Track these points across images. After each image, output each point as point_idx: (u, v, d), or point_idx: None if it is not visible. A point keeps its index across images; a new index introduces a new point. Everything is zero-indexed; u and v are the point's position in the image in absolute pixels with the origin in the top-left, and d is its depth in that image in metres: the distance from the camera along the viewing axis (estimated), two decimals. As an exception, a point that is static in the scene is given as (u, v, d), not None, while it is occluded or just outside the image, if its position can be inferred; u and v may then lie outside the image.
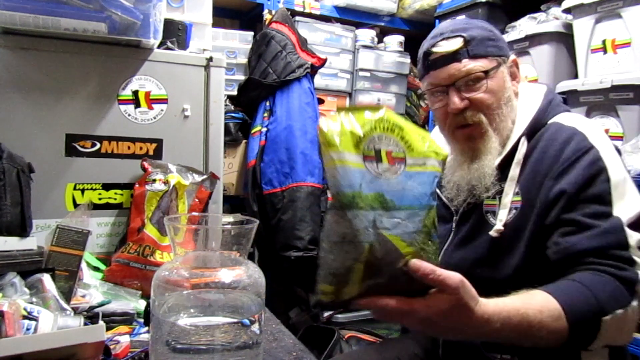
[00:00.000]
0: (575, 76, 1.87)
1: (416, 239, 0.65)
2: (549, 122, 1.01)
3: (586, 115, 1.77)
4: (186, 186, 1.36)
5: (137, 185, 1.34)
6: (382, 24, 2.75)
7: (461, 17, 2.32)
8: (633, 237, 0.86)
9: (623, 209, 0.88)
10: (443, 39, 1.02)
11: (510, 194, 0.98)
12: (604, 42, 1.73)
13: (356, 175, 0.60)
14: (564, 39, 1.90)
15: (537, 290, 0.79)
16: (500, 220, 0.99)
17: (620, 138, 1.66)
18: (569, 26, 1.87)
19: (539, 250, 0.93)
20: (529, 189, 0.97)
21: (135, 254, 1.24)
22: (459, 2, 2.34)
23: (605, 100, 1.70)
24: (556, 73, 1.92)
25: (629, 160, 1.51)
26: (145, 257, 1.24)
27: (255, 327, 0.80)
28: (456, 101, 1.01)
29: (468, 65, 0.99)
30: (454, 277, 0.65)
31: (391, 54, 2.67)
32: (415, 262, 0.63)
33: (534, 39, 1.96)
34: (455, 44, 1.00)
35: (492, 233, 0.99)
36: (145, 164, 1.36)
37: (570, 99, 1.83)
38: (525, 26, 2.05)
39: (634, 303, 0.82)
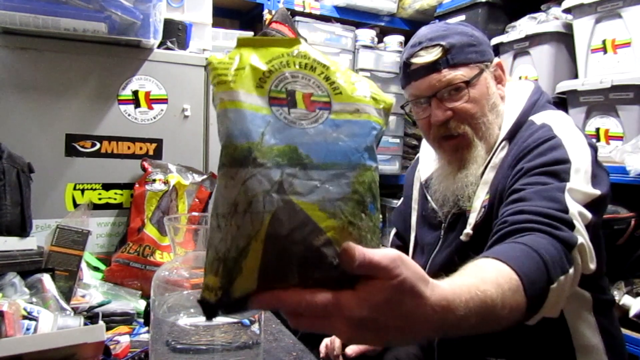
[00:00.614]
0: (575, 76, 1.87)
1: (342, 209, 0.45)
2: (528, 119, 0.99)
3: (586, 116, 1.77)
4: (186, 186, 1.36)
5: (137, 185, 1.34)
6: (382, 24, 2.75)
7: (452, 21, 2.32)
8: (575, 207, 0.80)
9: (578, 185, 0.83)
10: (422, 49, 0.99)
11: (481, 197, 0.98)
12: (604, 42, 1.73)
13: (255, 122, 0.45)
14: (564, 39, 1.90)
15: (486, 260, 0.67)
16: (469, 224, 0.98)
17: (620, 138, 1.66)
18: (569, 26, 1.87)
19: None
20: (497, 185, 0.96)
21: (135, 254, 1.24)
22: (459, 2, 2.34)
23: (605, 100, 1.70)
24: (556, 73, 1.92)
25: (629, 160, 1.51)
26: (145, 257, 1.24)
27: (255, 327, 0.80)
28: (438, 113, 0.99)
29: (448, 75, 0.97)
30: (387, 254, 0.44)
31: (391, 54, 2.66)
32: (344, 244, 0.44)
33: (534, 39, 1.96)
34: (434, 54, 0.98)
35: (462, 237, 0.98)
36: (145, 164, 1.36)
37: (570, 99, 1.83)
38: (525, 26, 2.05)
39: (571, 270, 0.74)
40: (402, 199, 1.33)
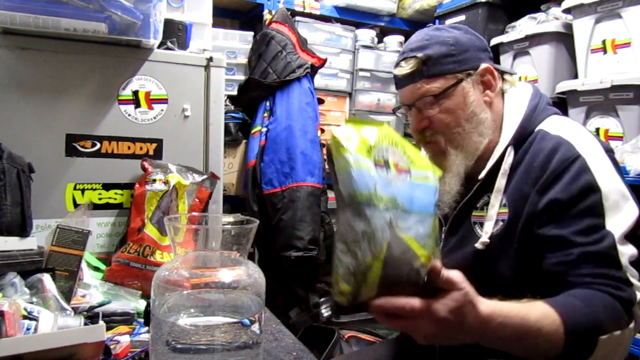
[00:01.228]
0: (575, 76, 1.87)
1: (427, 242, 0.67)
2: (536, 129, 0.98)
3: (586, 116, 1.77)
4: (186, 186, 1.36)
5: (137, 185, 1.34)
6: (382, 24, 2.75)
7: (451, 21, 2.32)
8: (625, 254, 0.83)
9: (616, 221, 0.85)
10: (403, 59, 1.03)
11: (496, 206, 0.97)
12: (604, 42, 1.73)
13: (371, 178, 0.63)
14: (564, 39, 1.90)
15: (538, 301, 0.77)
16: (486, 233, 0.98)
17: (620, 138, 1.66)
18: (569, 26, 1.87)
19: (526, 262, 0.92)
20: (516, 201, 0.95)
21: (136, 254, 1.24)
22: (459, 2, 2.34)
23: (605, 100, 1.70)
24: (556, 73, 1.92)
25: (629, 160, 1.51)
26: (145, 257, 1.24)
27: (255, 327, 0.80)
28: (414, 123, 1.05)
29: (422, 88, 1.00)
30: (457, 273, 0.67)
31: (391, 54, 2.66)
32: (434, 263, 0.66)
33: (534, 39, 1.96)
34: (410, 66, 1.01)
35: (478, 245, 0.98)
36: (146, 164, 1.36)
37: (570, 99, 1.83)
38: (525, 26, 2.05)
39: (631, 325, 0.81)
40: None
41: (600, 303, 0.79)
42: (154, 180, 1.33)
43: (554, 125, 0.97)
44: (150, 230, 1.27)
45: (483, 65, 1.02)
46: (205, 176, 1.42)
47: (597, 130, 1.73)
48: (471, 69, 1.01)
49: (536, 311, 0.75)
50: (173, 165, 1.39)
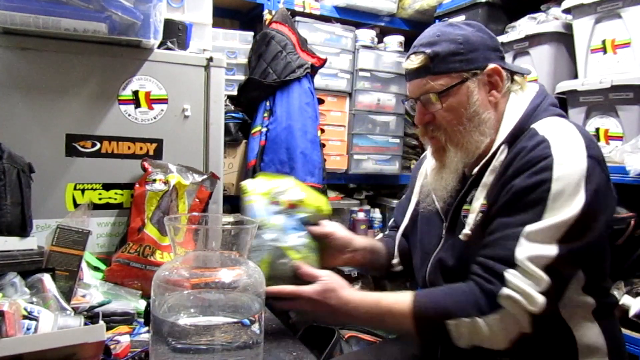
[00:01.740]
0: (575, 76, 1.87)
1: (302, 250, 1.09)
2: (530, 127, 0.99)
3: (586, 116, 1.77)
4: (186, 186, 1.36)
5: (137, 186, 1.34)
6: (382, 24, 2.75)
7: (457, 20, 2.32)
8: (525, 250, 0.88)
9: (548, 220, 0.88)
10: (413, 53, 1.05)
11: (480, 199, 1.00)
12: (603, 42, 1.73)
13: (261, 210, 1.09)
14: (564, 39, 1.90)
15: (407, 291, 0.98)
16: (468, 224, 1.01)
17: (620, 138, 1.66)
18: (569, 26, 1.87)
19: None
20: (493, 192, 0.98)
21: (136, 253, 1.24)
22: (459, 2, 2.34)
23: (605, 100, 1.70)
24: (556, 73, 1.92)
25: (629, 160, 1.51)
26: (145, 257, 1.24)
27: (255, 327, 0.80)
28: (418, 117, 1.08)
29: (428, 83, 1.02)
30: (323, 271, 1.03)
31: (391, 54, 2.66)
32: (299, 263, 1.06)
33: (534, 39, 1.96)
34: (418, 61, 1.03)
35: (461, 236, 1.02)
36: (146, 164, 1.36)
37: (570, 99, 1.83)
38: (525, 26, 2.05)
39: (491, 316, 0.88)
40: (405, 194, 1.35)
41: (460, 293, 0.93)
42: (154, 180, 1.33)
43: (547, 125, 0.98)
44: (150, 230, 1.27)
45: (491, 66, 1.03)
46: (205, 176, 1.42)
47: (597, 130, 1.73)
48: (478, 69, 1.02)
49: (391, 297, 0.98)
50: (173, 165, 1.39)
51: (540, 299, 0.85)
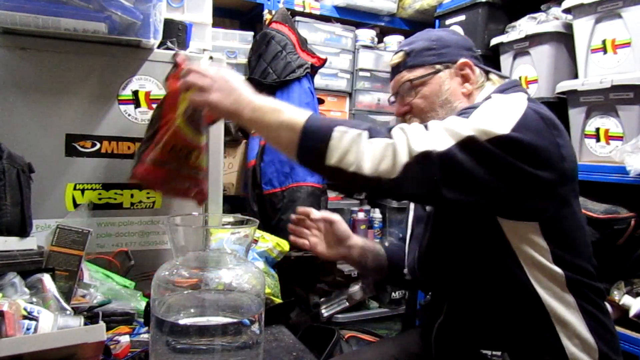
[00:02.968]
0: (575, 76, 1.87)
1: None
2: None
3: (586, 116, 1.77)
4: None
5: (170, 80, 1.17)
6: (382, 24, 2.74)
7: (451, 21, 2.32)
8: (443, 123, 0.88)
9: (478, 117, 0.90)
10: (395, 53, 1.19)
11: None
12: (604, 42, 1.73)
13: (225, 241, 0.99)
14: (564, 39, 1.90)
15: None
16: None
17: (620, 138, 1.66)
18: (569, 26, 1.87)
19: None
20: None
21: (172, 153, 1.07)
22: (459, 2, 2.34)
23: (605, 100, 1.70)
24: (556, 73, 1.92)
25: (629, 160, 1.51)
26: (183, 158, 1.09)
27: (255, 327, 0.80)
28: (397, 108, 1.19)
29: (404, 76, 1.14)
30: None
31: (391, 54, 2.64)
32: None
33: (534, 39, 1.96)
34: (398, 57, 1.17)
35: (427, 208, 1.12)
36: (179, 59, 1.18)
37: (570, 99, 1.83)
38: (525, 26, 2.05)
39: (380, 138, 0.86)
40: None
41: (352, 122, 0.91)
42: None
43: (499, 95, 1.03)
44: (184, 129, 1.09)
45: (462, 60, 1.12)
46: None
47: (597, 130, 1.73)
48: (449, 62, 1.12)
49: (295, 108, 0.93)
50: (207, 59, 1.26)
51: (426, 148, 0.84)
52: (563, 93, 1.85)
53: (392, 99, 1.21)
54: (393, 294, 2.58)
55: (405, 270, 1.29)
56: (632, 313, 1.51)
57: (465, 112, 0.92)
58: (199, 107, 1.01)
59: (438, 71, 1.12)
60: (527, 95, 1.01)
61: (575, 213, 1.01)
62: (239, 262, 0.85)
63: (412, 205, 1.28)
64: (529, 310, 0.96)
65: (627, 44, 1.66)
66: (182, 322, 0.78)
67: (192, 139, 1.09)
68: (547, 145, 0.90)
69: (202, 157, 1.14)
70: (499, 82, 1.15)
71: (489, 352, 0.99)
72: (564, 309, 0.96)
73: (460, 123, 0.87)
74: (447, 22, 2.41)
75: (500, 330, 1.00)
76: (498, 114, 0.89)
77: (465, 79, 1.13)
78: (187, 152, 1.10)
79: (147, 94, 1.44)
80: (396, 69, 1.17)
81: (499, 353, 0.98)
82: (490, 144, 0.84)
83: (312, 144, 0.88)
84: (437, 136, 0.86)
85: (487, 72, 1.16)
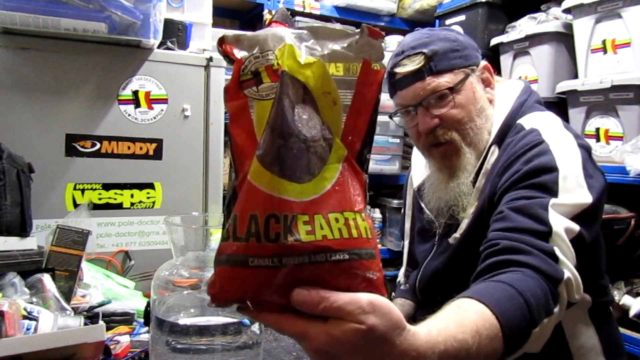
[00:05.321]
0: (575, 76, 1.87)
1: None
2: (516, 122, 0.98)
3: (586, 116, 1.77)
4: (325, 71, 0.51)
5: (230, 97, 0.52)
6: (382, 24, 2.74)
7: (451, 21, 2.32)
8: (558, 221, 0.79)
9: (567, 198, 0.83)
10: (405, 57, 0.98)
11: (474, 205, 0.97)
12: (604, 42, 1.73)
13: None
14: (564, 39, 1.90)
15: (469, 301, 0.66)
16: (460, 229, 0.98)
17: (620, 138, 1.66)
18: (569, 26, 1.87)
19: None
20: (485, 192, 0.95)
21: (254, 238, 0.45)
22: (459, 2, 2.34)
23: (605, 100, 1.70)
24: (556, 73, 1.92)
25: (629, 160, 1.51)
26: (274, 240, 0.45)
27: (255, 327, 0.80)
28: (425, 121, 0.98)
29: (432, 82, 0.96)
30: (354, 299, 0.44)
31: (391, 54, 2.66)
32: (299, 293, 0.44)
33: (534, 39, 1.96)
34: (417, 62, 0.97)
35: (450, 240, 0.99)
36: (227, 46, 0.52)
37: (570, 99, 1.83)
38: (525, 26, 2.05)
39: (556, 309, 0.75)
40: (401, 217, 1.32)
41: (530, 288, 0.72)
42: (257, 75, 0.51)
43: (533, 119, 0.97)
44: (259, 177, 0.48)
45: (483, 63, 1.02)
46: (357, 36, 0.51)
47: (597, 130, 1.73)
48: (474, 65, 1.00)
49: (471, 324, 0.61)
50: (282, 30, 0.56)
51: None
52: (563, 93, 1.85)
53: (399, 114, 1.04)
54: (393, 293, 2.58)
55: (401, 279, 1.25)
56: (632, 313, 1.51)
57: (546, 181, 0.84)
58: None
59: (467, 76, 0.98)
60: (556, 119, 0.97)
61: (600, 234, 0.95)
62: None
63: (408, 212, 1.22)
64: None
65: (627, 44, 1.66)
66: (182, 322, 0.78)
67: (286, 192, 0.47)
68: (603, 184, 0.89)
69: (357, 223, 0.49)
70: (500, 81, 1.08)
71: None
72: (584, 333, 0.94)
73: (566, 248, 0.78)
74: (447, 22, 2.41)
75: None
76: (576, 184, 0.84)
77: (486, 83, 1.03)
78: (278, 221, 0.47)
79: (147, 94, 1.44)
80: (415, 75, 0.97)
81: None
82: (582, 220, 0.83)
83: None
84: (572, 253, 0.79)
85: None
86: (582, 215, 0.83)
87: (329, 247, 0.45)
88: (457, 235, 0.98)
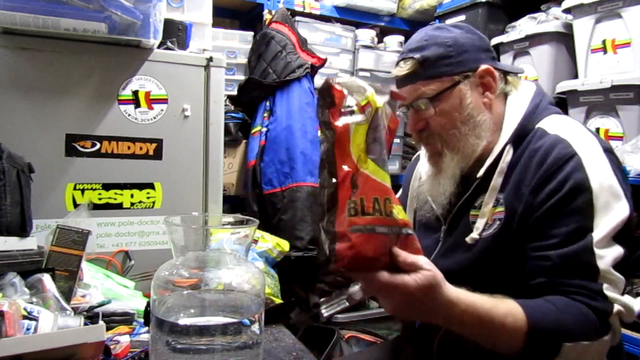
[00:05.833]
0: (575, 76, 1.87)
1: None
2: (535, 127, 0.98)
3: (586, 116, 1.77)
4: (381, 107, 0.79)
5: (334, 119, 0.75)
6: (382, 24, 2.74)
7: (451, 21, 2.32)
8: (605, 258, 0.84)
9: (605, 222, 0.85)
10: (402, 59, 1.03)
11: (490, 204, 0.97)
12: (604, 42, 1.73)
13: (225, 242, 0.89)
14: (564, 39, 1.90)
15: (510, 299, 0.81)
16: (477, 229, 0.98)
17: (620, 138, 1.66)
18: (569, 26, 1.87)
19: (521, 263, 0.92)
20: (512, 201, 0.95)
21: (378, 214, 0.72)
22: (459, 2, 2.34)
23: (605, 100, 1.70)
24: (556, 73, 1.92)
25: (629, 160, 1.51)
26: (388, 215, 0.73)
27: (255, 327, 0.80)
28: (411, 123, 1.06)
29: (420, 89, 1.00)
30: (422, 258, 0.74)
31: (391, 54, 2.66)
32: (397, 251, 0.72)
33: (534, 39, 1.96)
34: (408, 66, 1.01)
35: (468, 240, 0.99)
36: (334, 84, 0.77)
37: (570, 99, 1.83)
38: (525, 26, 2.05)
39: (605, 337, 0.81)
40: (400, 191, 1.32)
41: (574, 311, 0.81)
42: (351, 108, 0.77)
43: (553, 123, 0.97)
44: (374, 171, 0.75)
45: (482, 67, 1.01)
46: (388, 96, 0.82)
47: (597, 130, 1.73)
48: (469, 71, 1.00)
49: (504, 305, 0.80)
50: (363, 82, 0.80)
51: (635, 307, 0.84)
52: (563, 93, 1.85)
53: (403, 109, 1.06)
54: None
55: None
56: (632, 313, 1.51)
57: (581, 206, 0.86)
58: None
59: (457, 83, 0.99)
60: (576, 123, 0.97)
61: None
62: (239, 262, 0.85)
63: (409, 206, 1.21)
64: None
65: (627, 44, 1.66)
66: (182, 322, 0.78)
67: (385, 181, 0.76)
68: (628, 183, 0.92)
69: (399, 207, 0.76)
70: (516, 82, 1.06)
71: None
72: None
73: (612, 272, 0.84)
74: (447, 22, 2.40)
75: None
76: (611, 197, 0.87)
77: (487, 87, 1.02)
78: (385, 203, 0.74)
79: (147, 94, 1.44)
80: (407, 79, 1.02)
81: None
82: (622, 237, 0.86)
83: (537, 355, 0.80)
84: (621, 282, 0.84)
85: (505, 74, 1.05)
86: (622, 231, 0.86)
87: (406, 223, 0.75)
88: (475, 236, 0.98)
